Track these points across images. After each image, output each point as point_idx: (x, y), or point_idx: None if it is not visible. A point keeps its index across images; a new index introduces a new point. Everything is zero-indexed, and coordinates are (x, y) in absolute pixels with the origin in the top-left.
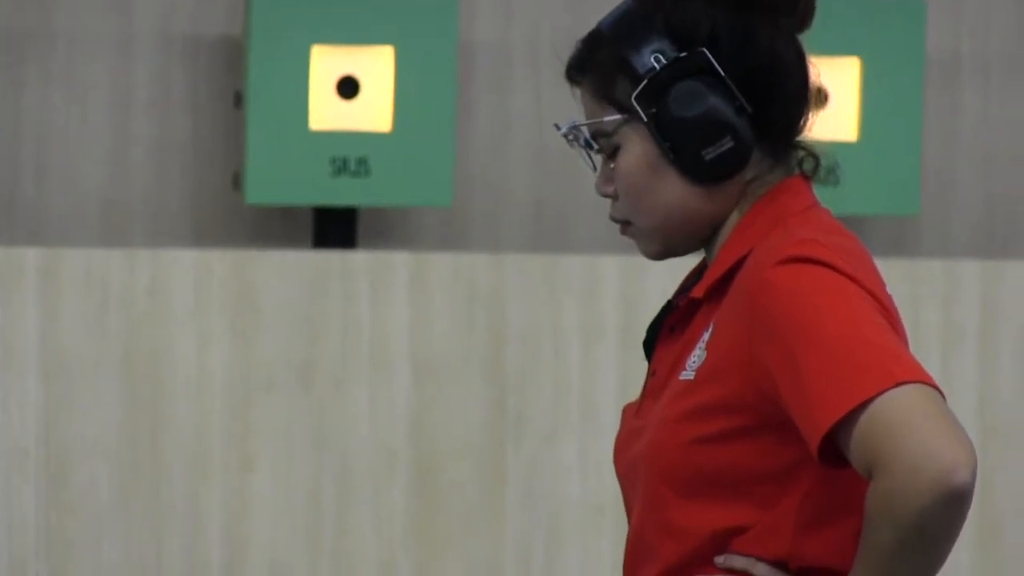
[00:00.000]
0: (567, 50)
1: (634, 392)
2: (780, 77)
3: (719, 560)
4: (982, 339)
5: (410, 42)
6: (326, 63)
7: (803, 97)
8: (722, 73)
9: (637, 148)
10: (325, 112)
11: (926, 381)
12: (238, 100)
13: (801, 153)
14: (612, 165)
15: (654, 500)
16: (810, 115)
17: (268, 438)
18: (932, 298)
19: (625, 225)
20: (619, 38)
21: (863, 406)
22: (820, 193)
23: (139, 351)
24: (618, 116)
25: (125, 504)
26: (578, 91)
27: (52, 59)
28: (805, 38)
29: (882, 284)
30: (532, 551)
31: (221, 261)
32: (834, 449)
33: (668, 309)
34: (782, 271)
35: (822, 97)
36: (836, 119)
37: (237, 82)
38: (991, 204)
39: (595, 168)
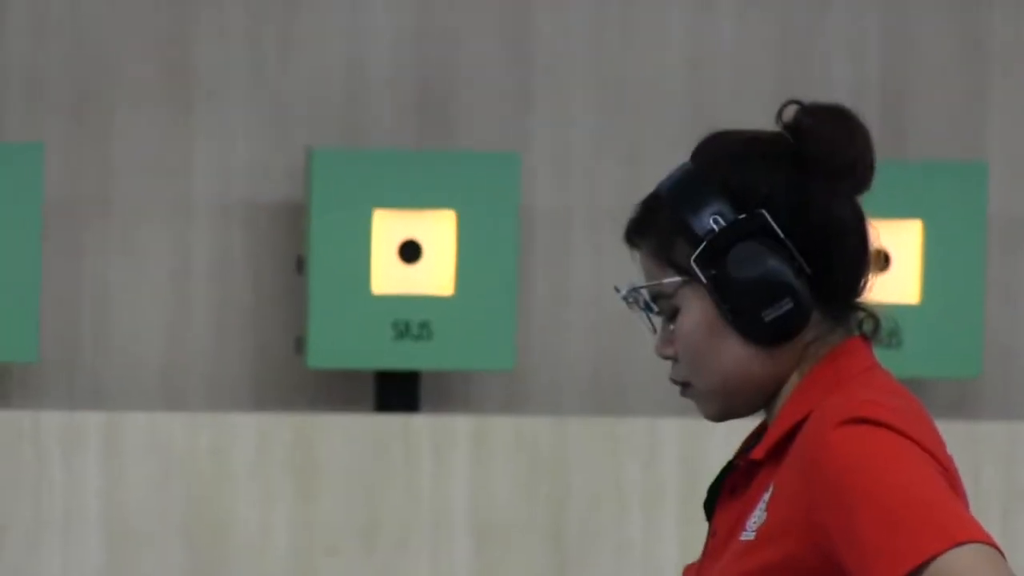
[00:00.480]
0: (626, 214)
1: (694, 555)
2: (838, 238)
3: None
4: None
5: (472, 206)
6: (388, 227)
7: (862, 258)
8: (781, 235)
9: (697, 310)
10: (387, 276)
11: (986, 541)
12: (300, 265)
13: (861, 314)
14: (672, 327)
15: None
16: (870, 276)
17: None
18: (993, 460)
19: (685, 387)
20: (678, 200)
21: (922, 566)
22: (882, 355)
23: (201, 515)
24: (677, 278)
25: None
26: (637, 254)
27: (111, 226)
28: (867, 201)
29: (942, 445)
30: None
31: (283, 425)
32: None
33: (728, 470)
34: (842, 433)
35: (882, 259)
36: (898, 282)
37: (299, 246)
38: None
39: (655, 330)
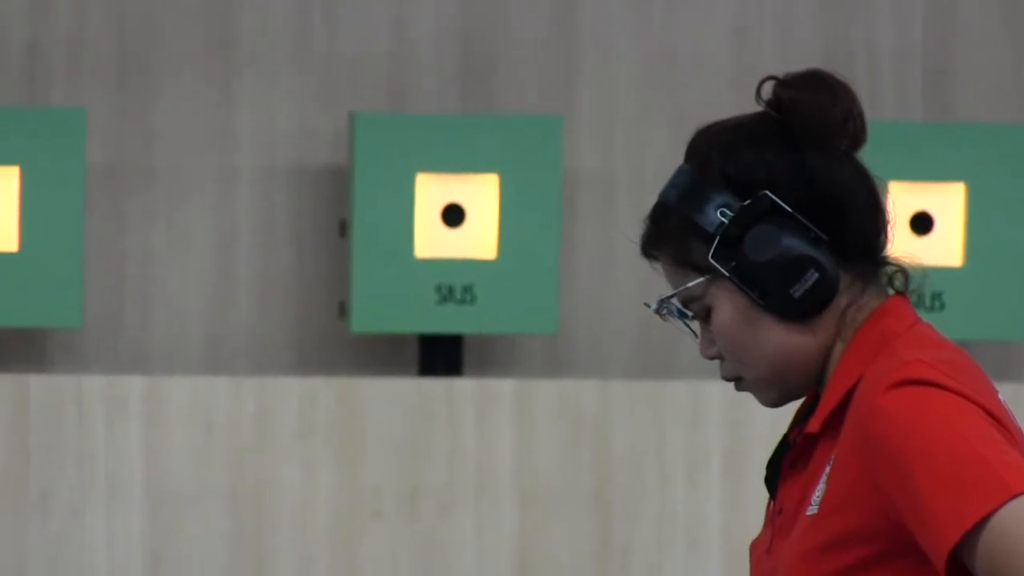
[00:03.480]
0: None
1: (738, 519)
2: (845, 199)
3: None
4: None
5: (515, 170)
6: (431, 191)
7: (876, 213)
8: (789, 210)
9: (728, 304)
10: (430, 240)
11: None
12: (343, 229)
13: (890, 269)
14: (709, 327)
15: None
16: (889, 230)
17: (374, 567)
18: None
19: (739, 381)
20: (682, 203)
21: (982, 523)
22: (926, 319)
23: (245, 480)
24: (701, 279)
25: None
26: (657, 265)
27: (155, 191)
28: (911, 164)
29: (994, 393)
30: None
31: (326, 388)
32: (966, 570)
33: (785, 445)
34: (892, 397)
35: (924, 221)
36: (942, 244)
37: (342, 211)
38: None
39: (695, 335)
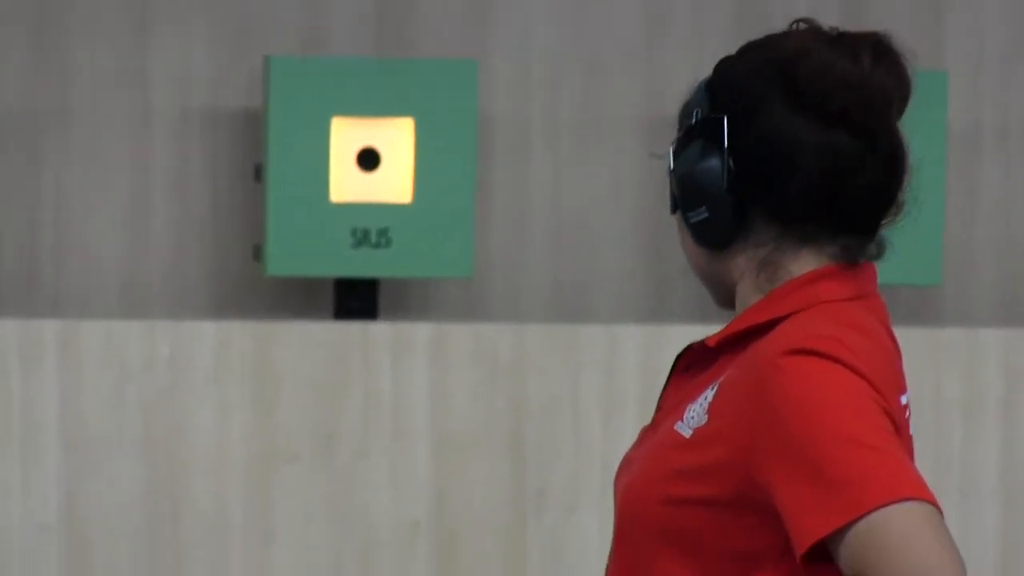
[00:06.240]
0: (585, 121)
1: None
2: (797, 158)
3: None
4: (1004, 407)
5: (430, 114)
6: (346, 135)
7: (834, 183)
8: (726, 145)
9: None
10: (345, 184)
11: (926, 498)
12: (258, 173)
13: (852, 240)
14: None
15: (623, 536)
16: (863, 204)
17: (289, 510)
18: (954, 367)
19: None
20: (693, 91)
21: (860, 518)
22: None
23: (159, 423)
24: (669, 160)
25: None
26: None
27: (70, 135)
28: None
29: (898, 393)
30: None
31: (242, 332)
32: (820, 549)
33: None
34: (794, 361)
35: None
36: None
37: (257, 154)
38: (1012, 273)
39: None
